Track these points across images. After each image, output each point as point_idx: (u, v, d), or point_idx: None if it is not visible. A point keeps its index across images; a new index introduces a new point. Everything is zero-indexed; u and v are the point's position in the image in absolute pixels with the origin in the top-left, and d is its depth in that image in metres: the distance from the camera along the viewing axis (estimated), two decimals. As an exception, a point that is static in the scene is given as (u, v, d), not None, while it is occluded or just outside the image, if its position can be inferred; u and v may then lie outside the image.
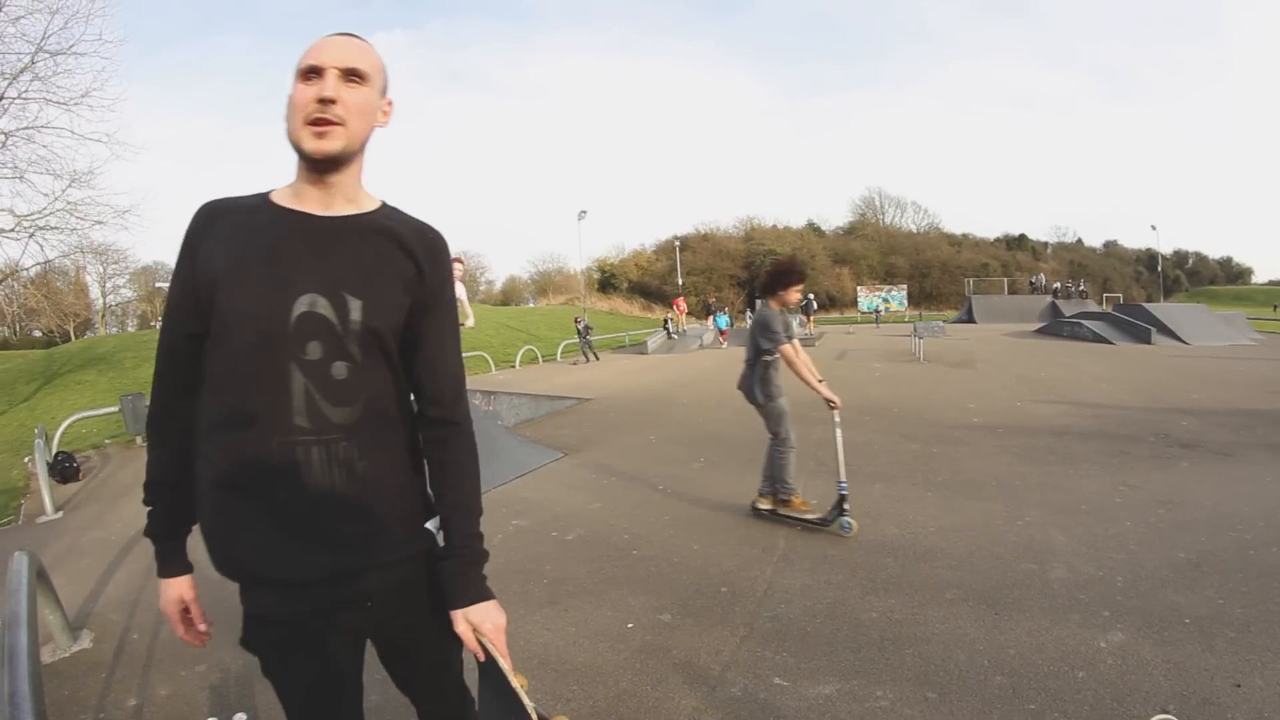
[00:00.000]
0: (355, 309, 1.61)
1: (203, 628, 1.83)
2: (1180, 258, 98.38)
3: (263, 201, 1.69)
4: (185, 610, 1.81)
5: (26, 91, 19.73)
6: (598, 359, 26.85)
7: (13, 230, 20.33)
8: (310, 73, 1.60)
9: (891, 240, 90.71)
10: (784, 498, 6.30)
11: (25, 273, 22.58)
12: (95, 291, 65.47)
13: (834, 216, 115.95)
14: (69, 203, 20.69)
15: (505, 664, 1.69)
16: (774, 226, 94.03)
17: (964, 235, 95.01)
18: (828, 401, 6.30)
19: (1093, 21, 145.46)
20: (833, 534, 5.79)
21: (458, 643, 1.78)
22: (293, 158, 1.67)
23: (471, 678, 1.86)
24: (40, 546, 6.90)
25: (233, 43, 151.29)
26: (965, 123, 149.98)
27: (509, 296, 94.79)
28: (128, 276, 69.60)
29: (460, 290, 8.44)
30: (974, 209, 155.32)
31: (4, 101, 19.55)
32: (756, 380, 6.58)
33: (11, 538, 8.72)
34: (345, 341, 1.60)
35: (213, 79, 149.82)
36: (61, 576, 5.72)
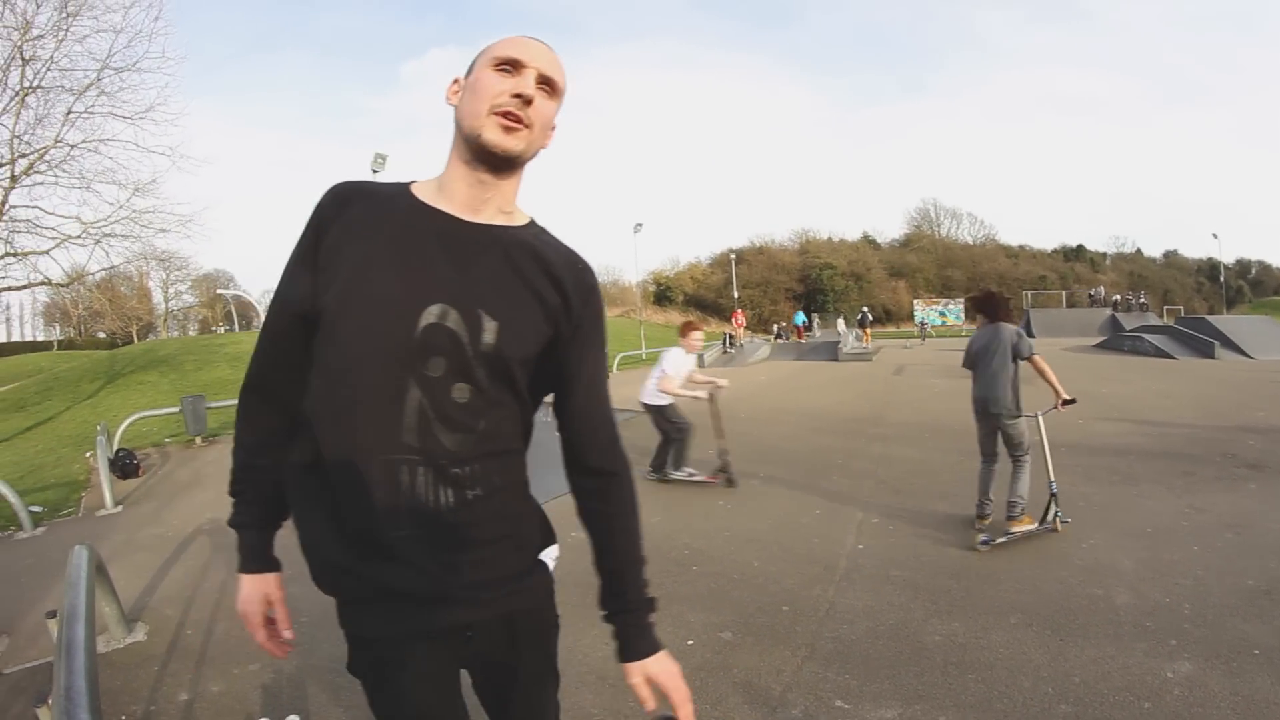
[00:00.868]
0: (489, 330, 1.46)
1: (287, 634, 1.72)
2: (1243, 267, 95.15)
3: (402, 192, 1.56)
4: (269, 612, 1.69)
5: (93, 106, 20.55)
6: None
7: (80, 237, 21.10)
8: (509, 65, 1.49)
9: (948, 252, 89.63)
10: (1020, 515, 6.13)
11: (91, 277, 23.51)
12: (158, 296, 67.35)
13: (889, 229, 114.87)
14: (133, 211, 21.53)
15: (684, 715, 1.59)
16: (829, 239, 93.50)
17: (1021, 247, 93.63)
18: (1067, 401, 6.67)
19: (1149, 22, 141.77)
20: (895, 553, 5.76)
21: (555, 681, 1.76)
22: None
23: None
24: (98, 539, 7.13)
25: (291, 59, 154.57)
26: (1020, 131, 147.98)
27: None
28: (189, 283, 71.65)
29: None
30: (1030, 219, 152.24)
31: (71, 115, 20.32)
32: (1014, 391, 6.49)
33: (71, 529, 9.05)
34: (472, 363, 1.45)
35: (273, 94, 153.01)
36: (118, 569, 5.86)
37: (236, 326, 63.14)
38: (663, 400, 8.91)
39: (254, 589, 1.67)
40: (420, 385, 1.43)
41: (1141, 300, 50.75)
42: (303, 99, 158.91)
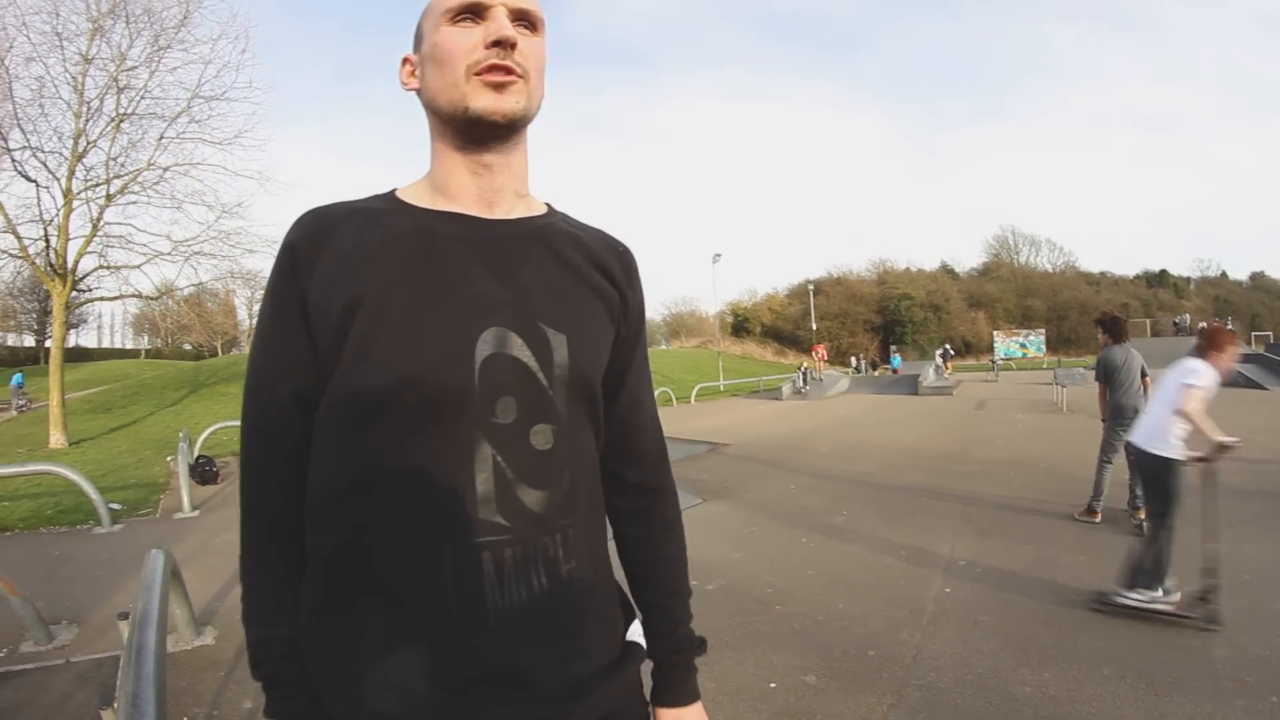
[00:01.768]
0: (560, 347, 1.18)
1: None
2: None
3: (393, 202, 1.25)
4: None
5: (184, 132, 22.05)
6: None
7: (170, 254, 22.50)
8: (469, 11, 1.18)
9: (1027, 281, 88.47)
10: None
11: (179, 292, 24.78)
12: (242, 313, 69.78)
13: (967, 257, 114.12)
14: (221, 231, 22.79)
15: None
16: (907, 269, 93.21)
17: (1102, 274, 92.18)
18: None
19: (1223, 29, 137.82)
20: (983, 598, 5.65)
21: None
22: (416, 154, 1.30)
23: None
24: (174, 542, 7.37)
25: (374, 92, 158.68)
26: (1097, 152, 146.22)
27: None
28: None
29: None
30: (1110, 244, 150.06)
31: (163, 140, 21.76)
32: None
33: (148, 529, 9.42)
34: (550, 395, 1.16)
35: (358, 122, 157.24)
36: (191, 573, 6.05)
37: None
38: (1175, 446, 5.65)
39: None
40: (491, 439, 1.11)
41: (1229, 327, 49.17)
42: (388, 126, 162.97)
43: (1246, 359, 30.86)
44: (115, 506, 10.26)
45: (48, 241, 20.62)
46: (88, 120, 20.70)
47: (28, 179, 20.25)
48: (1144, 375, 7.90)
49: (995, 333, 67.07)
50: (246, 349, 71.86)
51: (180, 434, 13.98)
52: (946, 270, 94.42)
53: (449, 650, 1.09)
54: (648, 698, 1.41)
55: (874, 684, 4.29)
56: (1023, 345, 61.93)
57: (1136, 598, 5.19)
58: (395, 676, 1.09)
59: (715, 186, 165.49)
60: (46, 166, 20.47)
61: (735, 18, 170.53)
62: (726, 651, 4.75)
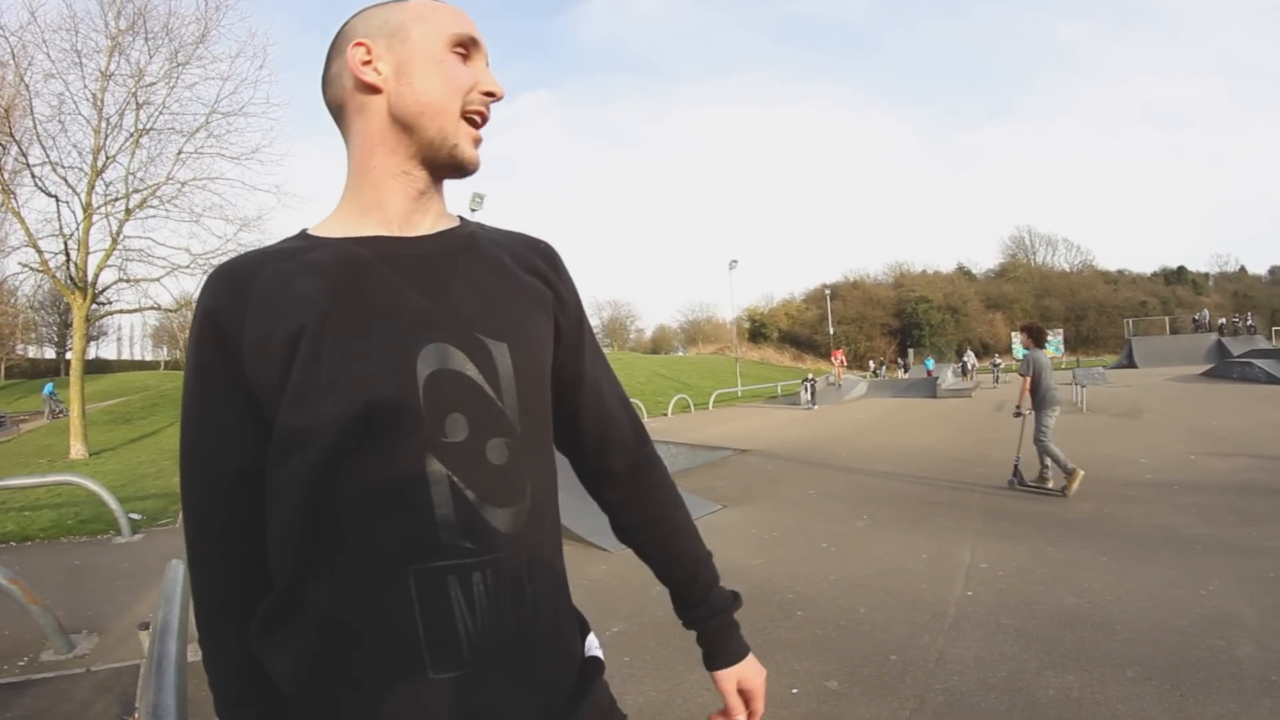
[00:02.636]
0: (502, 356, 1.14)
1: None
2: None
3: (308, 240, 1.20)
4: None
5: (202, 147, 22.55)
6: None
7: (188, 266, 22.88)
8: (466, 47, 1.19)
9: (1045, 281, 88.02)
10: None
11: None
12: None
13: (984, 259, 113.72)
14: (240, 245, 22.84)
15: None
16: (924, 272, 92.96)
17: (1119, 272, 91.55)
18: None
19: (1236, 20, 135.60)
20: (1005, 600, 5.61)
21: None
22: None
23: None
24: None
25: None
26: (1112, 149, 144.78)
27: (658, 345, 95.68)
28: None
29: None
30: (1127, 242, 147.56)
31: (182, 155, 22.21)
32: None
33: (168, 539, 9.52)
34: (500, 407, 1.12)
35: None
36: None
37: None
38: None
39: None
40: (443, 459, 1.06)
41: (1249, 323, 48.55)
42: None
43: (1266, 354, 30.67)
44: (135, 516, 10.35)
45: (68, 255, 20.94)
46: (107, 136, 21.06)
47: (48, 194, 20.63)
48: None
49: (1013, 334, 66.61)
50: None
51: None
52: (963, 272, 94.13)
53: (425, 685, 1.05)
54: (624, 710, 1.37)
55: (896, 689, 4.28)
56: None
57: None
58: (375, 716, 1.06)
59: (730, 193, 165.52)
60: (66, 181, 20.83)
61: (748, 24, 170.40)
62: (748, 658, 4.73)
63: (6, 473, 17.24)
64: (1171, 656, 4.48)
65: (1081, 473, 9.31)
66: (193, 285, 22.95)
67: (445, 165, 1.19)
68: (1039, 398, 10.24)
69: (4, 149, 20.22)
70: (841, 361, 39.84)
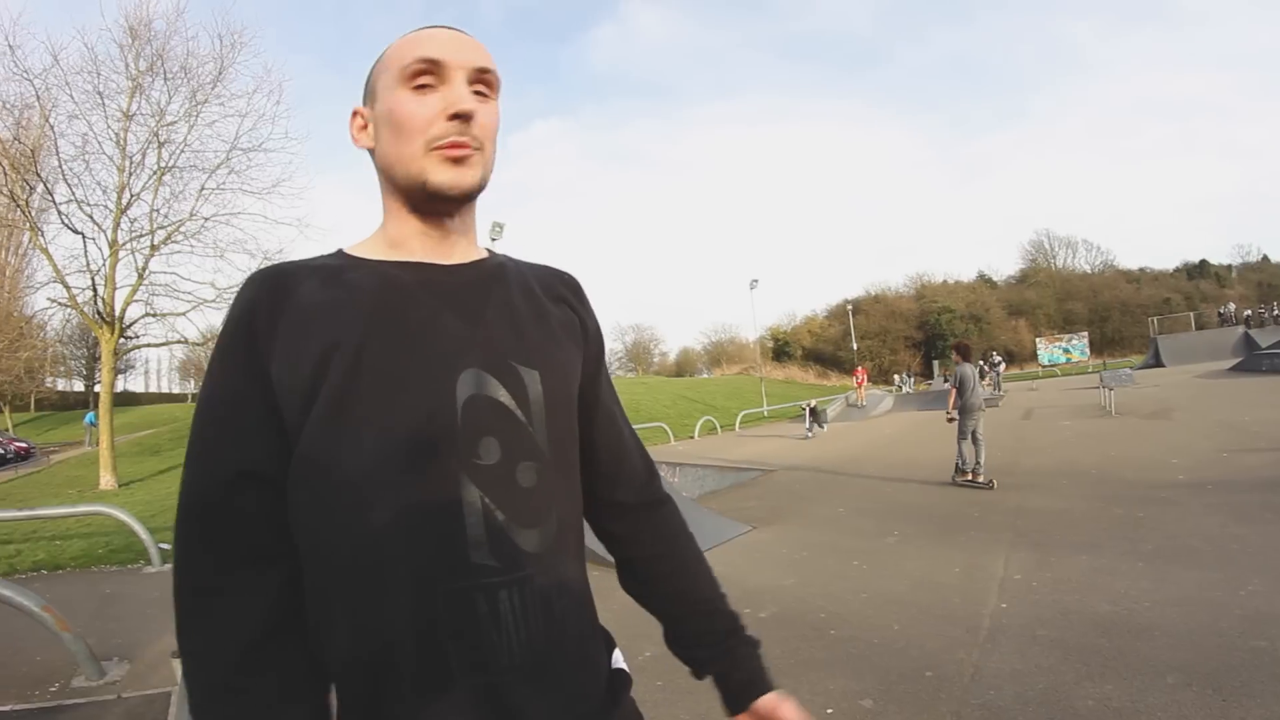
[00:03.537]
0: (534, 383, 1.17)
1: None
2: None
3: (347, 258, 1.23)
4: None
5: (224, 183, 23.18)
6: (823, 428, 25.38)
7: (214, 300, 23.35)
8: (425, 71, 1.16)
9: (1066, 285, 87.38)
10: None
11: None
12: None
13: (1004, 265, 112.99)
14: None
15: None
16: (944, 282, 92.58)
17: (1141, 270, 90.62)
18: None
19: (1239, 7, 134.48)
20: (1040, 611, 5.52)
21: None
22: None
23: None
24: None
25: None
26: (1126, 146, 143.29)
27: (683, 368, 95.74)
28: None
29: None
30: (1147, 239, 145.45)
31: (204, 191, 22.78)
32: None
33: None
34: (530, 432, 1.15)
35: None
36: None
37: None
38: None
39: None
40: (476, 480, 1.08)
41: (1275, 313, 47.78)
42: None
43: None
44: (165, 546, 10.42)
45: (95, 290, 21.32)
46: (130, 174, 21.59)
47: (75, 231, 21.11)
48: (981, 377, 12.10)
49: (1038, 339, 66.19)
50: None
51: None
52: (984, 280, 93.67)
53: (454, 698, 1.04)
54: None
55: (932, 706, 4.23)
56: (1066, 350, 60.97)
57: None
58: None
59: (747, 212, 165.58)
60: (92, 219, 21.34)
61: (755, 44, 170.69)
62: (781, 679, 4.63)
63: (37, 503, 17.51)
64: (1212, 660, 4.41)
65: (978, 477, 11.43)
66: (218, 318, 23.39)
67: (429, 199, 1.19)
68: (963, 405, 11.83)
69: (31, 188, 20.74)
70: (862, 381, 38.69)
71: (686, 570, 1.43)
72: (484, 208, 1.28)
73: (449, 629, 1.04)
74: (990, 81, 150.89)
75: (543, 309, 1.27)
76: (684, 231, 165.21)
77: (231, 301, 1.16)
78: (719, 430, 32.26)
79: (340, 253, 1.25)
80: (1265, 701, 3.85)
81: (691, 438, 29.56)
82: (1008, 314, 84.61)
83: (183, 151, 22.17)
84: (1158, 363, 45.33)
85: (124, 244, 21.67)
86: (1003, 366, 34.16)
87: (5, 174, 20.21)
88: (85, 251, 21.30)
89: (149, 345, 25.09)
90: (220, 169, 22.63)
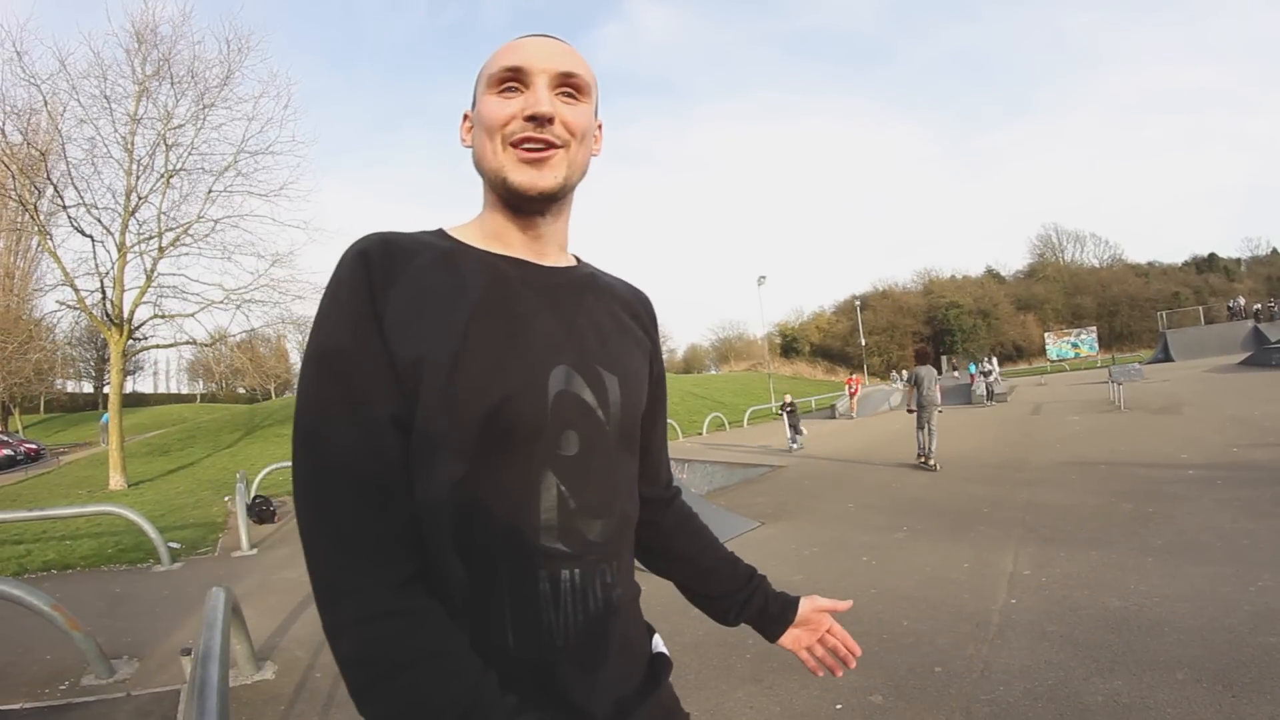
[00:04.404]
0: (614, 388, 1.24)
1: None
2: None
3: (451, 241, 1.25)
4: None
5: (231, 186, 23.20)
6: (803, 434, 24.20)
7: (222, 302, 23.51)
8: (510, 79, 1.21)
9: (1075, 279, 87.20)
10: None
11: (232, 338, 25.63)
12: (295, 357, 71.65)
13: (1012, 260, 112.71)
14: (272, 280, 23.81)
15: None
16: (952, 277, 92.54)
17: (1150, 264, 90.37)
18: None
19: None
20: (1049, 607, 5.51)
21: None
22: (470, 195, 1.30)
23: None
24: (233, 579, 7.56)
25: (411, 137, 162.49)
26: (1133, 139, 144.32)
27: (691, 364, 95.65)
28: None
29: None
30: (1156, 232, 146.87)
31: (212, 194, 22.82)
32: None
33: (207, 568, 9.62)
34: (606, 430, 1.21)
35: (398, 170, 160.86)
36: (251, 609, 6.17)
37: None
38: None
39: None
40: (555, 469, 1.14)
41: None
42: (427, 173, 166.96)
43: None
44: (174, 545, 10.52)
45: (104, 293, 21.42)
46: (138, 177, 21.65)
47: (83, 234, 21.23)
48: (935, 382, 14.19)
49: (1046, 334, 65.85)
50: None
51: (237, 475, 14.33)
52: (992, 274, 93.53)
53: (504, 673, 1.09)
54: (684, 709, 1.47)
55: (941, 701, 4.22)
56: (1074, 345, 60.57)
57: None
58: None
59: (755, 208, 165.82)
60: (101, 222, 21.44)
61: (761, 40, 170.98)
62: (791, 674, 4.69)
63: (47, 503, 17.63)
64: (1222, 656, 4.40)
65: (929, 460, 13.58)
66: (226, 319, 23.56)
67: (510, 196, 1.23)
68: (919, 401, 13.92)
69: (40, 192, 20.81)
70: (854, 391, 34.39)
71: (704, 535, 1.61)
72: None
73: (512, 604, 1.11)
74: (997, 76, 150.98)
75: (623, 323, 1.37)
76: (691, 228, 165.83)
77: (341, 260, 1.15)
78: (727, 426, 32.29)
79: (443, 233, 1.29)
80: (1276, 698, 3.84)
81: (700, 434, 29.61)
82: (1016, 309, 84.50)
83: (190, 154, 22.27)
84: (1167, 357, 45.16)
85: (132, 246, 21.77)
86: (994, 375, 32.85)
87: (14, 178, 20.36)
88: (94, 254, 21.46)
89: (158, 346, 25.22)
90: (228, 172, 22.74)
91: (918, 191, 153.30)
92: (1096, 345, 60.56)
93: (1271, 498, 8.07)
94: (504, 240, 1.27)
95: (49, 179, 20.75)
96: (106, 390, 33.26)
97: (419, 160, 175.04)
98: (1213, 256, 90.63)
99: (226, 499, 15.71)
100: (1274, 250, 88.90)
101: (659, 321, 1.55)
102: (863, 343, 63.78)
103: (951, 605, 5.80)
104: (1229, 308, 53.80)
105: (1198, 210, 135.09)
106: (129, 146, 21.37)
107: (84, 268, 21.61)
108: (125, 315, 21.55)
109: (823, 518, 9.86)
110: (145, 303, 22.40)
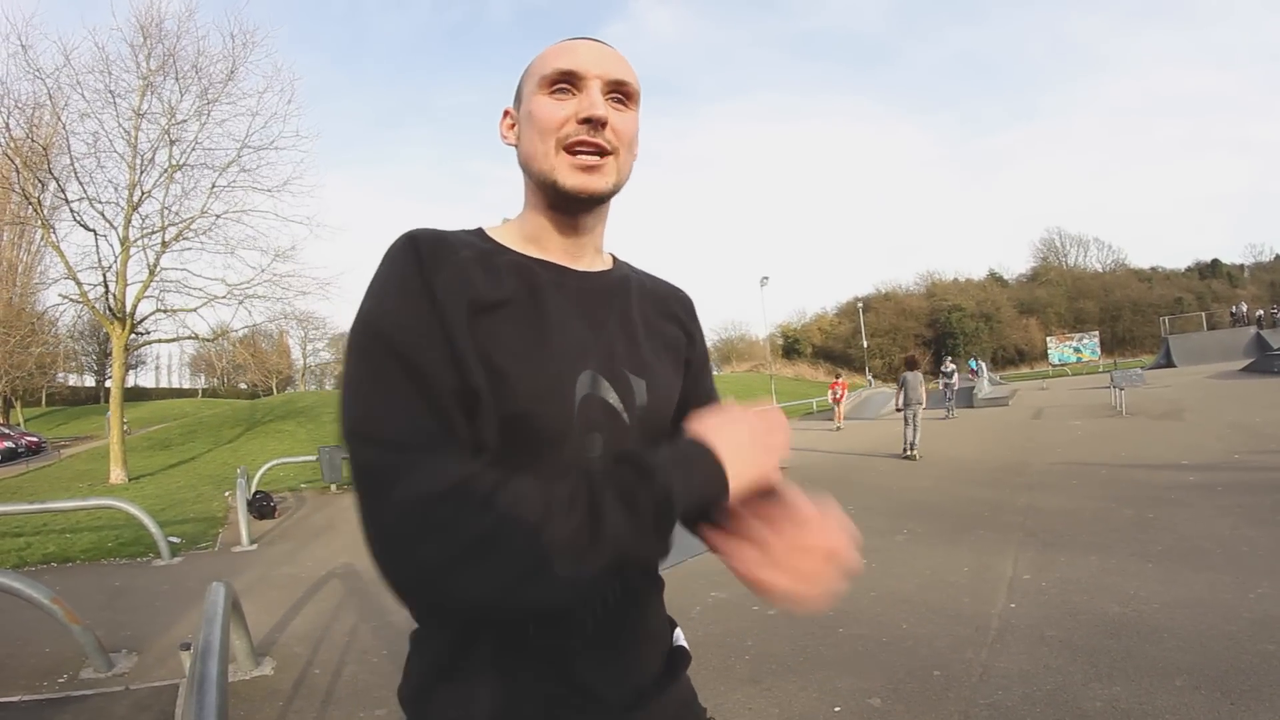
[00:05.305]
0: (640, 391, 1.25)
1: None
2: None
3: (491, 242, 1.25)
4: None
5: (234, 181, 23.23)
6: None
7: (224, 297, 23.57)
8: (564, 81, 1.20)
9: (1078, 283, 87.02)
10: None
11: (235, 333, 26.03)
12: (297, 352, 72.00)
13: (1015, 263, 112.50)
14: (274, 275, 23.84)
15: None
16: (955, 280, 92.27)
17: (1153, 269, 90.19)
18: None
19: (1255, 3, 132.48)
20: (1049, 611, 5.52)
21: None
22: (508, 195, 1.32)
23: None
24: (233, 574, 7.53)
25: (413, 134, 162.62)
26: (1138, 144, 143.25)
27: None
28: (327, 340, 76.02)
29: None
30: (1159, 237, 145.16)
31: (215, 189, 22.88)
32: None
33: (207, 562, 9.67)
34: (629, 434, 1.22)
35: (400, 166, 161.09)
36: (250, 604, 6.13)
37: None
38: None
39: None
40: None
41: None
42: (428, 170, 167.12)
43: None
44: (174, 540, 10.53)
45: (107, 287, 21.51)
46: (142, 171, 21.73)
47: (86, 228, 21.29)
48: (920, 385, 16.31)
49: (1049, 338, 65.69)
50: (301, 388, 73.48)
51: (238, 470, 14.34)
52: (995, 278, 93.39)
53: (528, 664, 1.14)
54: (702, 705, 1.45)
55: (940, 705, 4.22)
56: (1076, 349, 60.36)
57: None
58: (476, 688, 1.14)
59: (758, 210, 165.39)
60: (104, 216, 21.52)
61: (765, 41, 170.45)
62: (790, 676, 4.70)
63: (48, 496, 17.65)
64: (1221, 663, 4.39)
65: (911, 452, 15.66)
66: (229, 314, 23.61)
67: (559, 198, 1.23)
68: (905, 400, 16.34)
69: (43, 185, 20.86)
70: (839, 397, 29.84)
71: None
72: (499, 205, 1.32)
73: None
74: (1002, 79, 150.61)
75: (655, 325, 1.39)
76: (694, 228, 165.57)
77: (391, 246, 1.14)
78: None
79: (482, 233, 1.29)
80: (1274, 705, 3.84)
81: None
82: (1019, 312, 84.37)
83: (194, 149, 22.36)
84: (1169, 363, 44.99)
85: (135, 241, 21.87)
86: (959, 376, 30.39)
87: (18, 172, 20.40)
88: (97, 248, 21.58)
89: (160, 341, 25.35)
90: (231, 167, 22.83)
91: (921, 194, 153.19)
92: (1099, 350, 60.28)
93: (1272, 505, 8.05)
94: (541, 244, 1.28)
95: (51, 172, 20.81)
96: (108, 384, 33.31)
97: (421, 157, 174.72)
98: (1216, 262, 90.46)
99: (227, 494, 15.76)
100: (1277, 256, 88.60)
101: (697, 315, 1.55)
102: (865, 345, 63.69)
103: (951, 608, 5.80)
104: (1232, 314, 53.66)
105: (1201, 216, 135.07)
106: (132, 141, 21.49)
107: (87, 262, 21.77)
108: (128, 309, 21.64)
109: (824, 519, 9.77)
110: (148, 297, 22.55)
